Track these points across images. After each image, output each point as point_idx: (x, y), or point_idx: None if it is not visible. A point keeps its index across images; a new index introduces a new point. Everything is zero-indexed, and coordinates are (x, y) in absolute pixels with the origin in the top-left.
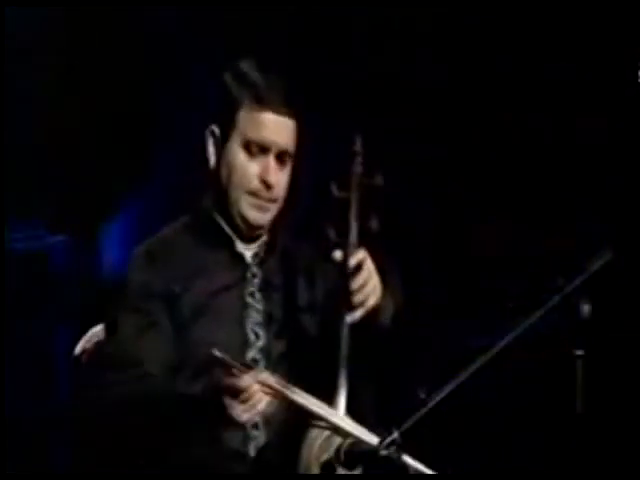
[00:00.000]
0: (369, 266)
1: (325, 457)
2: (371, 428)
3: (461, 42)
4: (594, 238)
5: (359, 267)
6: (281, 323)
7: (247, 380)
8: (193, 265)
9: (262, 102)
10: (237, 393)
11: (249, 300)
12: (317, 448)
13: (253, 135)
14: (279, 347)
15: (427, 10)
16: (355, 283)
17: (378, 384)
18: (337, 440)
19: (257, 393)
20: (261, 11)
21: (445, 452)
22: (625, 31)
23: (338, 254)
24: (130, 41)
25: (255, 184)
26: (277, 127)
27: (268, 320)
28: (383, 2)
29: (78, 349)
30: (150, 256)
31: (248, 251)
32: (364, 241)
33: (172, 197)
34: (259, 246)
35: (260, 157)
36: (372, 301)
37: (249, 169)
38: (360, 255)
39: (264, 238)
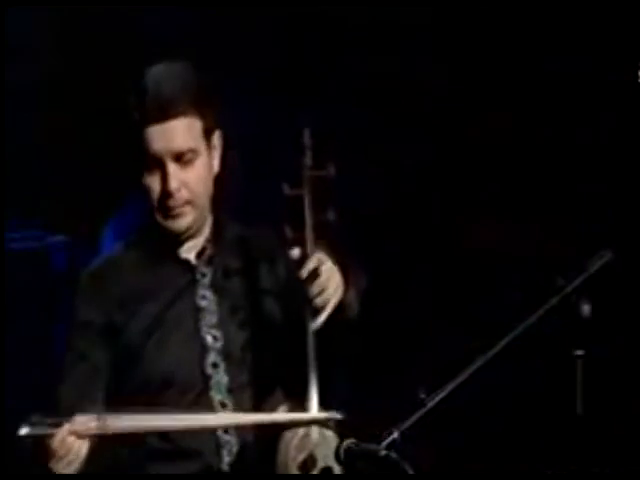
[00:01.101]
0: (328, 267)
1: (302, 457)
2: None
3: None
4: (594, 238)
5: (316, 272)
6: (238, 319)
7: (57, 439)
8: (139, 287)
9: (145, 117)
10: (54, 454)
11: (201, 303)
12: (293, 449)
13: (144, 150)
14: (239, 345)
15: None
16: (315, 288)
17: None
18: (313, 439)
19: (71, 444)
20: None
21: (444, 452)
22: (625, 31)
23: (296, 252)
24: (129, 40)
25: (157, 197)
26: (161, 134)
27: (223, 318)
28: None
29: None
30: (93, 282)
31: (192, 252)
32: (322, 234)
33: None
34: (203, 243)
35: (158, 169)
36: (334, 302)
37: (151, 185)
38: (315, 260)
39: (205, 233)
